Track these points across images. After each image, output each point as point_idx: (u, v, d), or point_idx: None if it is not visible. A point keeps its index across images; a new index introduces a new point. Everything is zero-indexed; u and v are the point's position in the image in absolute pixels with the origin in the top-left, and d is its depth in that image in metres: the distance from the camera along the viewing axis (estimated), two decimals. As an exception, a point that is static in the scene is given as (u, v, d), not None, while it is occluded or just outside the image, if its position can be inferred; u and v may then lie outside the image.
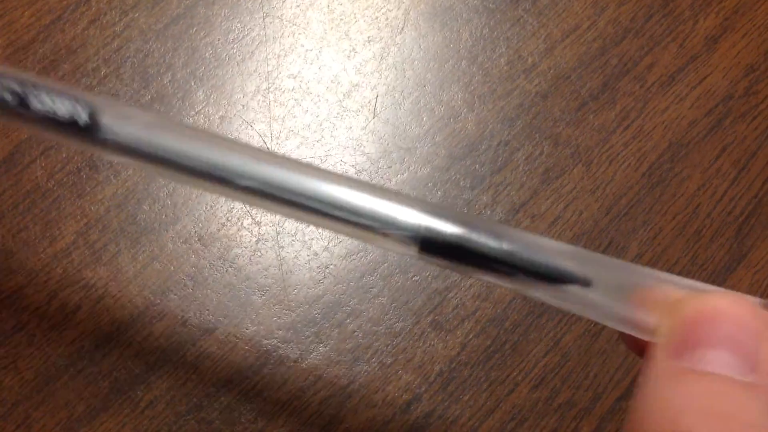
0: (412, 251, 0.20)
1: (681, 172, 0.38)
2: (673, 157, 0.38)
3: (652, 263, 0.37)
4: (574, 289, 0.19)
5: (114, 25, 0.37)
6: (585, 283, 0.19)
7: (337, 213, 0.20)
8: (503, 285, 0.20)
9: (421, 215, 0.20)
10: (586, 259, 0.20)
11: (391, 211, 0.20)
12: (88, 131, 0.20)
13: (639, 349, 0.20)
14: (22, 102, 0.20)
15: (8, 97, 0.21)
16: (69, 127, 0.21)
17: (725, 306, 0.17)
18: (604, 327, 0.36)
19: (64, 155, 0.35)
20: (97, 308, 0.34)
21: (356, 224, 0.20)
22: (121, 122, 0.21)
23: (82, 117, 0.20)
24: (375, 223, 0.20)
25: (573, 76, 0.39)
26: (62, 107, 0.20)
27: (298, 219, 0.21)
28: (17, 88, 0.20)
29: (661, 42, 0.40)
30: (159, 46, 0.37)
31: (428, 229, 0.20)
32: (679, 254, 0.37)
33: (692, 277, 0.37)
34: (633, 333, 0.19)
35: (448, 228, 0.20)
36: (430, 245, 0.20)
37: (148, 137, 0.20)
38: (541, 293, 0.20)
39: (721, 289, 0.19)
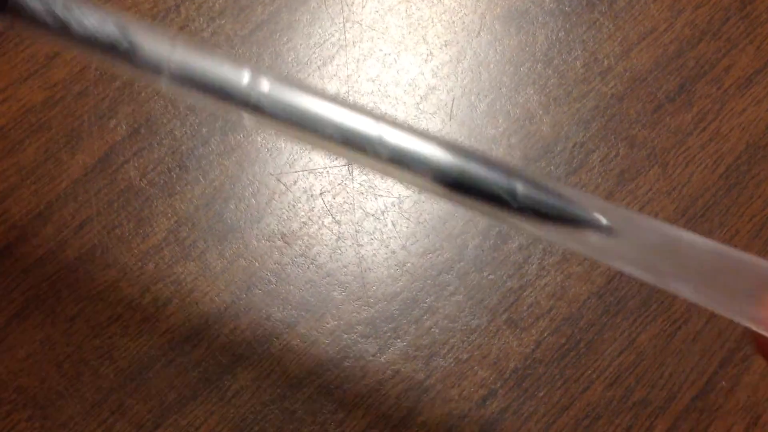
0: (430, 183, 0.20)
1: (758, 174, 0.38)
2: (750, 159, 0.38)
3: (729, 265, 0.37)
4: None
5: (202, 31, 0.39)
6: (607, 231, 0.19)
7: (365, 144, 0.20)
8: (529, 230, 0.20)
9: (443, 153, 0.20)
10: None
11: (415, 146, 0.20)
12: (127, 54, 0.21)
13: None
14: (64, 23, 0.21)
15: (49, 19, 0.21)
16: (109, 49, 0.21)
17: None
18: (679, 327, 0.36)
19: (155, 156, 0.37)
20: (187, 302, 0.36)
21: (379, 156, 0.20)
22: (159, 46, 0.21)
23: (122, 42, 0.21)
24: (398, 156, 0.20)
25: (649, 78, 0.39)
26: (103, 31, 0.21)
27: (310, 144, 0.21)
28: (60, 9, 0.21)
29: (739, 44, 0.40)
30: (245, 51, 0.39)
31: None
32: (756, 256, 0.37)
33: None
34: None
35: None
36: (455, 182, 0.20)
37: (183, 60, 0.21)
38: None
39: None
